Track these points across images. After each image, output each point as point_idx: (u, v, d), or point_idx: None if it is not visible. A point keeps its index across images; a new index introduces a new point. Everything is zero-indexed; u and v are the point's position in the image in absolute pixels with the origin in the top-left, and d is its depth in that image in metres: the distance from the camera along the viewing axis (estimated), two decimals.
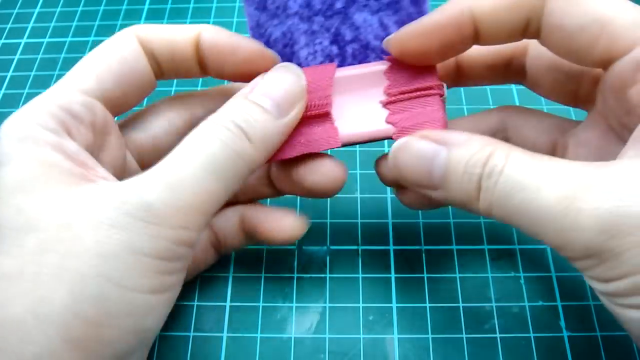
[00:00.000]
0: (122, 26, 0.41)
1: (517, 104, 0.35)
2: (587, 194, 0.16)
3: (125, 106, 0.23)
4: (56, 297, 0.16)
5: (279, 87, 0.21)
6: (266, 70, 0.22)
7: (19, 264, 0.16)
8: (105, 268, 0.17)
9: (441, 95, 0.22)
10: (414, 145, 0.21)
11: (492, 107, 0.28)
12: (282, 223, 0.25)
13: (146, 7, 0.42)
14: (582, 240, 0.17)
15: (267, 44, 0.23)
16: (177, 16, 0.41)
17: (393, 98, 0.22)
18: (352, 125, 0.22)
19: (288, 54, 0.23)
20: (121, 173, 0.23)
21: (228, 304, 0.28)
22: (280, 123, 0.21)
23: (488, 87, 0.37)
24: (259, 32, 0.22)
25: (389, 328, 0.27)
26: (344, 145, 0.22)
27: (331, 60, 0.23)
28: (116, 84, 0.22)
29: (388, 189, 0.32)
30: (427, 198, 0.23)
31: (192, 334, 0.28)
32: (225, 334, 0.28)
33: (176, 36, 0.22)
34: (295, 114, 0.22)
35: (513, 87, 0.36)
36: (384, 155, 0.24)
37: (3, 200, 0.18)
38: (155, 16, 0.42)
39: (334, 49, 0.23)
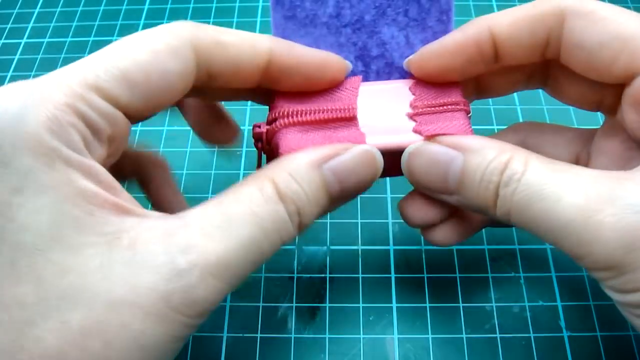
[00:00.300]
0: (122, 26, 0.41)
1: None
2: (608, 206, 0.16)
3: (144, 116, 0.20)
4: None
5: (354, 173, 0.20)
6: (333, 80, 0.21)
7: (62, 345, 0.15)
8: (146, 358, 0.16)
9: (467, 112, 0.22)
10: (429, 150, 0.20)
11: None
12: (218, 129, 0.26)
13: (146, 7, 0.42)
14: (602, 253, 0.16)
15: None
16: (177, 16, 0.41)
17: (420, 110, 0.22)
18: (378, 133, 0.22)
19: None
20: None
21: (228, 304, 0.28)
22: (329, 207, 0.20)
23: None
24: None
25: (389, 328, 0.27)
26: None
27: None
28: (148, 100, 0.19)
29: (388, 189, 0.32)
30: (457, 232, 0.23)
31: (192, 334, 0.27)
32: (225, 334, 0.28)
33: (244, 54, 0.20)
34: (343, 202, 0.21)
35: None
36: (408, 196, 0.23)
37: (41, 252, 0.15)
38: (155, 16, 0.42)
39: (359, 65, 0.23)
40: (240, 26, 0.41)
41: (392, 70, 0.23)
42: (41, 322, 0.15)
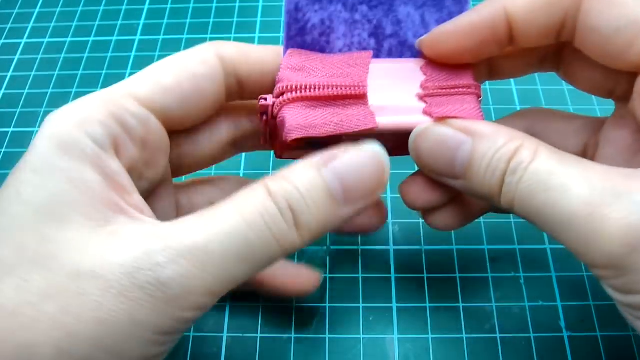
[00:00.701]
0: (122, 26, 0.41)
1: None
2: (614, 202, 0.16)
3: (183, 124, 0.21)
4: (42, 351, 0.15)
5: (358, 174, 0.19)
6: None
7: (18, 302, 0.16)
8: (100, 334, 0.16)
9: (478, 96, 0.22)
10: (438, 132, 0.20)
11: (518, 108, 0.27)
12: (297, 279, 0.25)
13: (146, 7, 0.42)
14: (604, 250, 0.16)
15: (303, 30, 0.21)
16: (177, 16, 0.41)
17: (431, 92, 0.21)
18: (387, 113, 0.21)
19: (322, 43, 0.22)
20: (158, 187, 0.22)
21: (228, 304, 0.28)
22: (340, 212, 0.19)
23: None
24: (295, 17, 0.21)
25: (389, 328, 0.27)
26: (378, 132, 0.20)
27: None
28: (181, 103, 0.20)
29: (388, 189, 0.32)
30: (457, 217, 0.23)
31: (192, 334, 0.28)
32: (225, 334, 0.28)
33: (267, 57, 0.21)
34: (362, 207, 0.19)
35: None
36: (409, 178, 0.23)
37: (32, 222, 0.17)
38: (155, 16, 0.42)
39: (372, 42, 0.22)
40: (240, 26, 0.41)
41: (404, 49, 0.22)
42: (7, 278, 0.16)
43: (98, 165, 0.18)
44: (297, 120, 0.20)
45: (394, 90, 0.21)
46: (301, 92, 0.20)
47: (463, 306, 0.28)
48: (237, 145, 0.25)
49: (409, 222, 0.31)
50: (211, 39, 0.40)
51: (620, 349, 0.27)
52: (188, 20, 0.41)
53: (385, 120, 0.20)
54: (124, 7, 0.42)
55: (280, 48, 0.22)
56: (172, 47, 0.40)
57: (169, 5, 0.42)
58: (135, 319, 0.16)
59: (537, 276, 0.29)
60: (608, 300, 0.28)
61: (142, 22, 0.41)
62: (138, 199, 0.19)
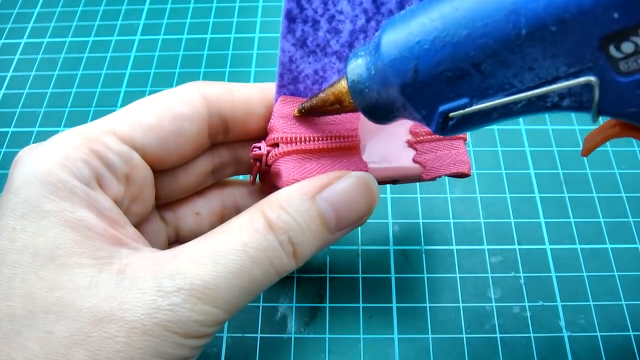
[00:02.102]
0: (122, 26, 0.41)
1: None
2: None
3: (164, 164, 0.21)
4: None
5: (350, 206, 0.20)
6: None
7: (48, 354, 0.16)
8: None
9: (465, 140, 0.23)
10: None
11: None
12: None
13: (146, 7, 0.42)
14: None
15: (295, 79, 0.22)
16: (177, 16, 0.41)
17: (420, 138, 0.22)
18: (378, 161, 0.22)
19: (315, 91, 0.22)
20: (145, 222, 0.22)
21: None
22: (332, 238, 0.20)
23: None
24: (289, 68, 0.21)
25: (389, 328, 0.27)
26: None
27: None
28: (161, 143, 0.20)
29: (388, 188, 0.32)
30: None
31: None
32: (225, 334, 0.28)
33: (252, 96, 0.21)
34: (345, 233, 0.20)
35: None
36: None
37: (35, 270, 0.16)
38: (155, 16, 0.42)
39: None
40: (239, 26, 0.41)
41: None
42: (26, 332, 0.16)
43: (88, 202, 0.18)
44: (294, 175, 0.20)
45: (384, 138, 0.22)
46: (295, 145, 0.21)
47: (463, 306, 0.28)
48: (216, 174, 0.25)
49: (409, 222, 0.31)
50: (211, 39, 0.40)
51: (620, 349, 0.27)
52: (188, 20, 0.41)
53: (380, 171, 0.21)
54: (124, 7, 0.42)
55: (265, 86, 0.22)
56: (172, 47, 0.40)
57: (169, 5, 0.42)
58: (160, 353, 0.17)
59: (537, 276, 0.29)
60: (608, 300, 0.28)
61: (142, 22, 0.41)
62: (132, 230, 0.19)
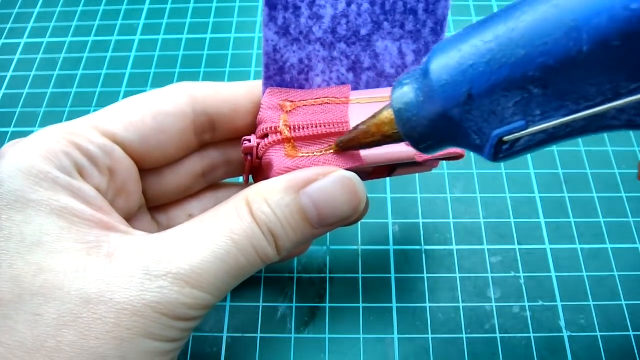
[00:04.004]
0: (122, 26, 0.41)
1: None
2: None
3: (149, 162, 0.22)
4: None
5: (332, 205, 0.19)
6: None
7: (38, 336, 0.16)
8: (124, 351, 0.17)
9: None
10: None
11: None
12: None
13: (146, 7, 0.42)
14: None
15: (281, 70, 0.22)
16: (177, 16, 0.41)
17: None
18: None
19: (302, 81, 0.22)
20: (132, 218, 0.22)
21: (228, 304, 0.28)
22: (315, 233, 0.20)
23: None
24: (274, 58, 0.21)
25: (389, 328, 0.27)
26: (367, 165, 0.21)
27: None
28: (143, 139, 0.21)
29: (388, 189, 0.32)
30: None
31: (192, 334, 0.28)
32: (225, 334, 0.28)
33: (239, 92, 0.22)
34: (333, 229, 0.20)
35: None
36: None
37: (22, 255, 0.17)
38: (155, 16, 0.42)
39: (350, 76, 0.22)
40: (239, 25, 0.41)
41: (381, 80, 0.23)
42: (15, 315, 0.16)
43: (72, 192, 0.18)
44: (285, 163, 0.20)
45: None
46: (285, 134, 0.20)
47: (463, 306, 0.28)
48: (207, 177, 0.25)
49: (409, 222, 0.31)
50: (211, 39, 0.40)
51: (620, 349, 0.27)
52: (188, 20, 0.41)
53: (372, 156, 0.21)
54: (124, 7, 0.42)
55: (253, 83, 0.22)
56: (172, 47, 0.40)
57: (169, 5, 0.42)
58: (149, 334, 0.17)
59: (537, 276, 0.29)
60: (608, 300, 0.28)
61: (142, 22, 0.41)
62: (118, 217, 0.20)
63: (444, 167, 0.33)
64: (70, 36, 0.41)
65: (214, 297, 0.18)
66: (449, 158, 0.22)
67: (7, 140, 0.36)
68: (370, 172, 0.24)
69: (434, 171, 0.32)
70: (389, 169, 0.23)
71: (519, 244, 0.30)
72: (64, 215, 0.17)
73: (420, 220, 0.31)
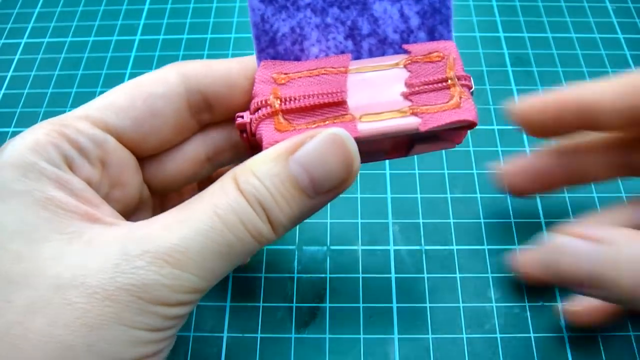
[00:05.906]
0: (122, 26, 0.41)
1: None
2: None
3: (149, 147, 0.21)
4: None
5: (324, 167, 0.18)
6: None
7: (4, 322, 0.16)
8: (92, 339, 0.16)
9: (470, 88, 0.20)
10: (573, 248, 0.19)
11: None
12: None
13: (146, 7, 0.42)
14: None
15: (273, 41, 0.20)
16: (177, 16, 0.41)
17: (416, 89, 0.19)
18: (372, 117, 0.19)
19: (297, 52, 0.21)
20: (133, 210, 0.22)
21: (228, 304, 0.28)
22: (311, 203, 0.18)
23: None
24: (263, 29, 0.20)
25: (389, 328, 0.27)
26: (364, 139, 0.19)
27: None
28: (136, 123, 0.20)
29: (388, 189, 0.32)
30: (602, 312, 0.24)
31: (192, 334, 0.28)
32: (225, 334, 0.28)
33: (233, 69, 0.21)
34: (331, 196, 0.19)
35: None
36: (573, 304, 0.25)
37: (2, 244, 0.17)
38: (155, 16, 0.42)
39: (349, 45, 0.21)
40: (240, 25, 0.41)
41: (385, 47, 0.21)
42: None
43: (59, 183, 0.18)
44: (274, 136, 0.19)
45: (377, 91, 0.20)
46: (276, 106, 0.19)
47: (463, 306, 0.28)
48: (212, 161, 0.24)
49: (409, 222, 0.31)
50: (211, 39, 0.40)
51: (620, 349, 0.27)
52: (188, 20, 0.41)
53: (368, 127, 0.19)
54: (124, 7, 0.42)
55: (247, 58, 0.21)
56: (172, 47, 0.40)
57: (169, 5, 0.42)
58: (123, 320, 0.16)
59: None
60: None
61: (142, 22, 0.41)
62: (109, 210, 0.19)
63: (444, 167, 0.33)
64: (70, 36, 0.41)
65: (200, 279, 0.17)
66: (458, 127, 0.20)
67: (7, 140, 0.36)
68: (387, 151, 0.22)
69: (434, 171, 0.33)
70: (406, 146, 0.22)
71: (519, 243, 0.30)
72: (47, 206, 0.17)
73: (420, 220, 0.31)
